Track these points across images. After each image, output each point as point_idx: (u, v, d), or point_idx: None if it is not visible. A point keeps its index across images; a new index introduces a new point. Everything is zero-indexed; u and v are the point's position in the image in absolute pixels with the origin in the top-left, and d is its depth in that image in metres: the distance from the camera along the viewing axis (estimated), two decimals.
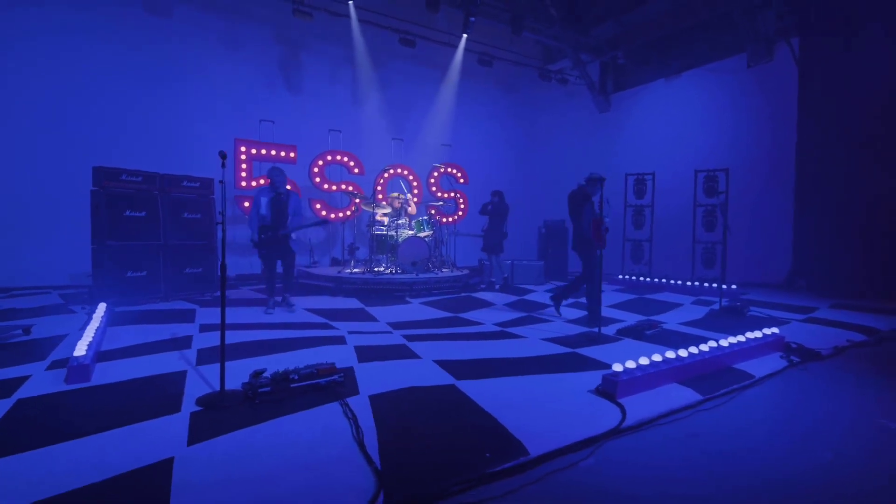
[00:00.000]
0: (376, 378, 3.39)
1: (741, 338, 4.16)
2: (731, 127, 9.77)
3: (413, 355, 4.09)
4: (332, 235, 10.53)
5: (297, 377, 3.07)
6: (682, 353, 3.66)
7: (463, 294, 7.96)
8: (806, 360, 4.16)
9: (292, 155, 9.14)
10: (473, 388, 3.22)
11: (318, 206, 9.38)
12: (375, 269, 8.24)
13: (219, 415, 2.75)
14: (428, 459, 2.32)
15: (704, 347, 3.81)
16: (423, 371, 3.61)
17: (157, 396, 3.04)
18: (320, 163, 9.42)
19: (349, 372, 3.50)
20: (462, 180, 10.98)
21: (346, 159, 9.72)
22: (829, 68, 7.98)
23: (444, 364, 3.78)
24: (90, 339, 3.81)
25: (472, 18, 9.87)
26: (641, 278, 9.00)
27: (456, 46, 11.13)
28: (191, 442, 2.41)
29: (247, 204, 8.49)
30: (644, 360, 3.38)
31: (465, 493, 2.05)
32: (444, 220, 10.29)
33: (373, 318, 5.98)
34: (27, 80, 7.54)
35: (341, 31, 10.10)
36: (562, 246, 10.41)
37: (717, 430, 2.80)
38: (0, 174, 7.38)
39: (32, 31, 7.55)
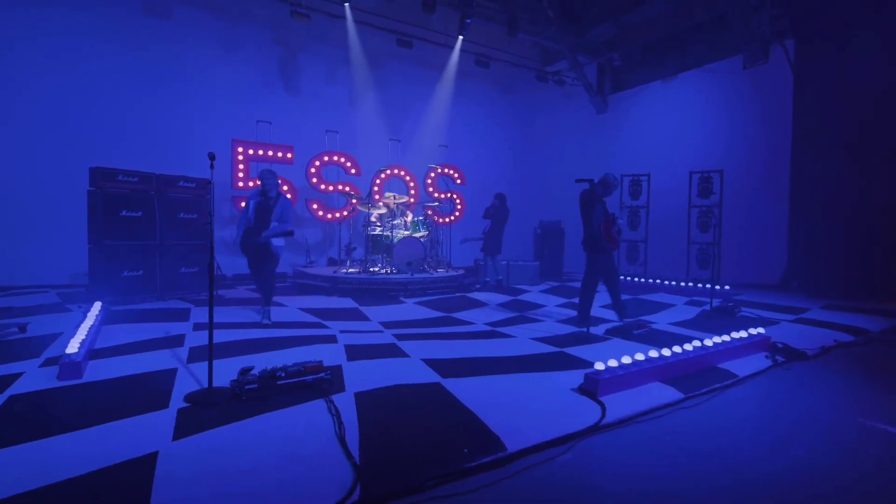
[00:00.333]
0: (363, 376, 3.44)
1: (726, 337, 4.19)
2: (726, 128, 9.79)
3: (402, 354, 4.14)
4: (330, 235, 10.58)
5: (284, 375, 3.12)
6: (666, 352, 3.70)
7: (457, 294, 8.02)
8: (791, 360, 4.20)
9: (289, 155, 9.20)
10: (458, 387, 3.26)
11: (314, 206, 9.45)
12: (371, 269, 8.30)
13: (205, 411, 2.80)
14: (407, 454, 2.36)
15: (689, 347, 3.84)
16: (410, 369, 3.66)
17: (146, 393, 3.09)
18: (317, 163, 9.47)
19: (337, 370, 3.55)
20: (459, 181, 11.01)
21: (342, 160, 9.77)
22: (823, 71, 8.01)
23: (432, 363, 3.83)
24: (83, 336, 3.87)
25: (469, 20, 9.90)
26: (636, 279, 9.03)
27: (453, 48, 11.17)
28: (176, 437, 2.47)
29: (243, 205, 8.52)
30: (627, 359, 3.41)
31: (440, 486, 2.10)
32: (441, 220, 10.34)
33: (365, 318, 6.03)
34: (27, 80, 7.60)
35: (339, 33, 10.17)
36: (558, 246, 10.46)
37: (698, 429, 2.83)
38: (0, 174, 7.46)
39: (32, 32, 7.61)
